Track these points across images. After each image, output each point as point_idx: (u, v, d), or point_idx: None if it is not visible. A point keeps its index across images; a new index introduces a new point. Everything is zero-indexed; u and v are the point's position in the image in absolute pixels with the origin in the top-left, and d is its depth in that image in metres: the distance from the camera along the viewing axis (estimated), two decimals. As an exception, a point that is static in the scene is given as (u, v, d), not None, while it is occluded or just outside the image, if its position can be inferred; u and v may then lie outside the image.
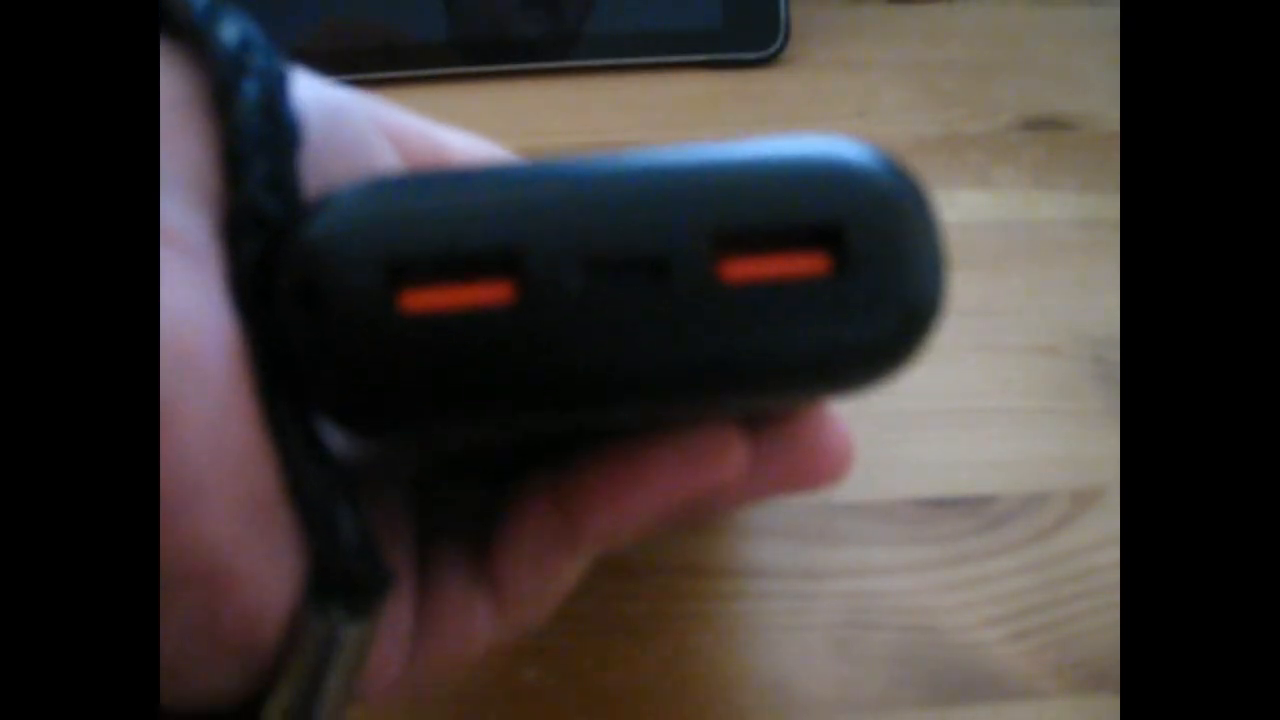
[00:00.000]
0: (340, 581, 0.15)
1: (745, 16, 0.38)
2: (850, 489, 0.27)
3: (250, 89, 0.15)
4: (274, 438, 0.15)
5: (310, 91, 0.16)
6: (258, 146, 0.15)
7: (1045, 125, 0.37)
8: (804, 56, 0.39)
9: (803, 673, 0.24)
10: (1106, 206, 0.34)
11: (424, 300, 0.14)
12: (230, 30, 0.15)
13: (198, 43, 0.15)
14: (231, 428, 0.14)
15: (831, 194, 0.15)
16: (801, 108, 0.37)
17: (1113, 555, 0.25)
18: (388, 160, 0.17)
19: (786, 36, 0.39)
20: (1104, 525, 0.26)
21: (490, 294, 0.14)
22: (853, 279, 0.15)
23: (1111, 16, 0.41)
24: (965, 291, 0.31)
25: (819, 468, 0.19)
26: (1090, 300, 0.31)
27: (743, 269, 0.15)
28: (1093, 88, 0.38)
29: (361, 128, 0.17)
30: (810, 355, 0.15)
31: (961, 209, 0.34)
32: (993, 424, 0.28)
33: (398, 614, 0.17)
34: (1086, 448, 0.28)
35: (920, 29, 0.41)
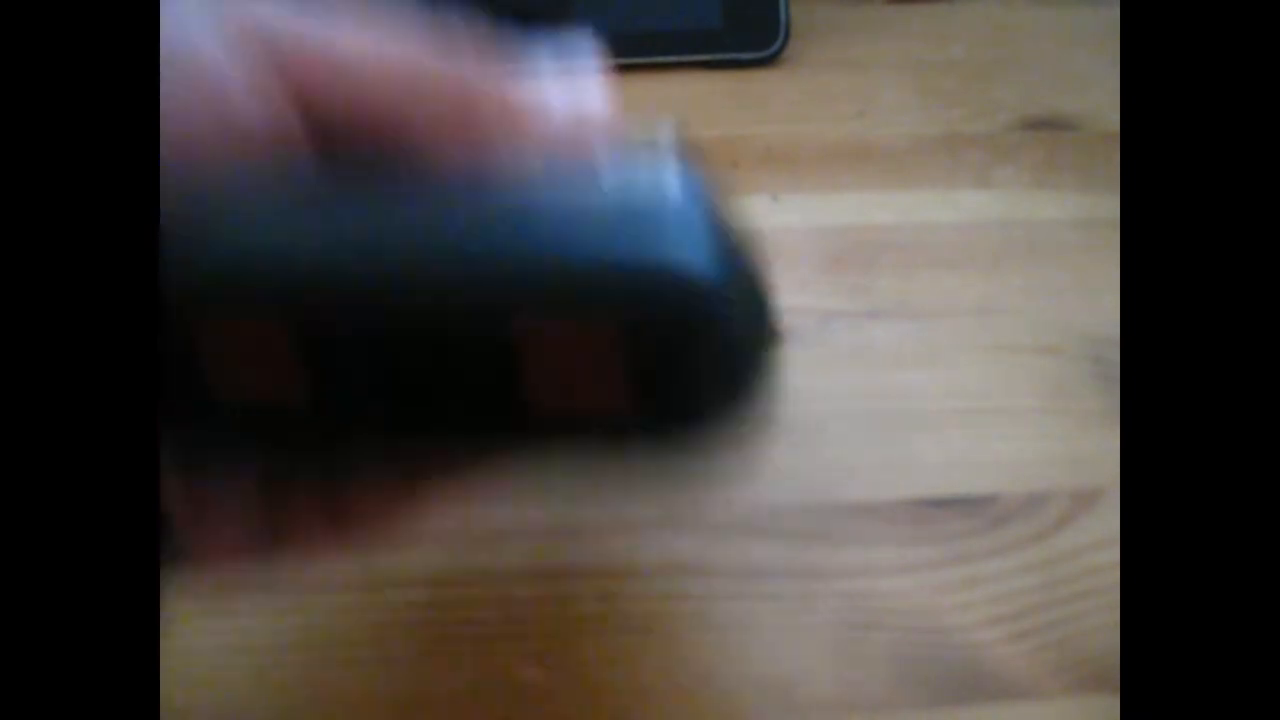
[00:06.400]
0: None
1: (745, 16, 0.38)
2: (850, 489, 0.27)
3: None
4: None
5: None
6: None
7: (1045, 125, 0.37)
8: (804, 56, 0.39)
9: (803, 673, 0.24)
10: (1106, 206, 0.34)
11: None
12: None
13: None
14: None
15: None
16: (801, 108, 0.37)
17: (1113, 555, 0.25)
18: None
19: (786, 36, 0.39)
20: (1104, 525, 0.26)
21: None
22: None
23: (1111, 16, 0.41)
24: (965, 291, 0.31)
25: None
26: (1090, 300, 0.31)
27: None
28: (1093, 88, 0.38)
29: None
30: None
31: (961, 209, 0.34)
32: (993, 424, 0.28)
33: (246, 508, 0.18)
34: (1086, 448, 0.28)
35: (920, 29, 0.41)
